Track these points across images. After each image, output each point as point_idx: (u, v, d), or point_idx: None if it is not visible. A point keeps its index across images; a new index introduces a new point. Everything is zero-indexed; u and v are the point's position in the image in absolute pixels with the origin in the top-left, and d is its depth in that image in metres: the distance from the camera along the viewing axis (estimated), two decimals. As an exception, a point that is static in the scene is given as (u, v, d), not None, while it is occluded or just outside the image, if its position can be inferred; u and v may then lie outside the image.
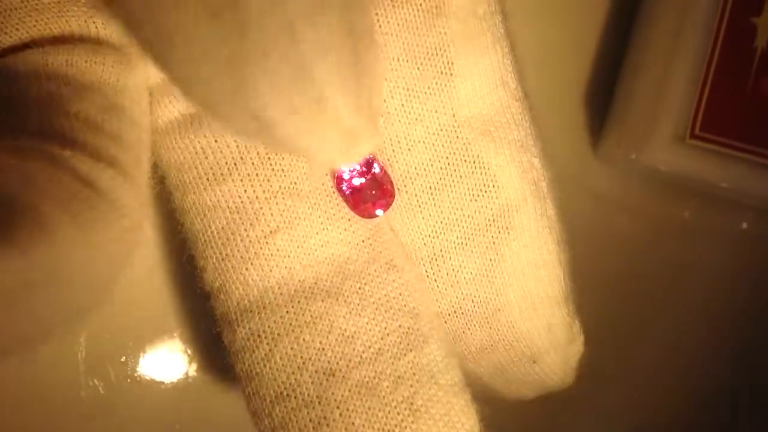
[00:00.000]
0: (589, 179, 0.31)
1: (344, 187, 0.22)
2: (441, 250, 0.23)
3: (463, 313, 0.23)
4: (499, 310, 0.23)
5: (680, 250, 0.32)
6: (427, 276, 0.23)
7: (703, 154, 0.28)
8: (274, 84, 0.15)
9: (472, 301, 0.23)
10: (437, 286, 0.23)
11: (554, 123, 0.31)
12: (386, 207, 0.22)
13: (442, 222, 0.23)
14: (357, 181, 0.22)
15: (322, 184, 0.22)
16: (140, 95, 0.21)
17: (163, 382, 0.29)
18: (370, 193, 0.22)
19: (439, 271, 0.23)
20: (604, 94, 0.31)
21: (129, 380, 0.28)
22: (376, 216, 0.22)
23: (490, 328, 0.23)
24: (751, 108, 0.28)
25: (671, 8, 0.29)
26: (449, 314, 0.23)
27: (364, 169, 0.22)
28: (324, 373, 0.21)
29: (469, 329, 0.23)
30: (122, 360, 0.28)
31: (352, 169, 0.22)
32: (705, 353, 0.31)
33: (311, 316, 0.21)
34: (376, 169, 0.22)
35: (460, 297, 0.23)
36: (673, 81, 0.28)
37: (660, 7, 0.29)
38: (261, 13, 0.15)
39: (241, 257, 0.21)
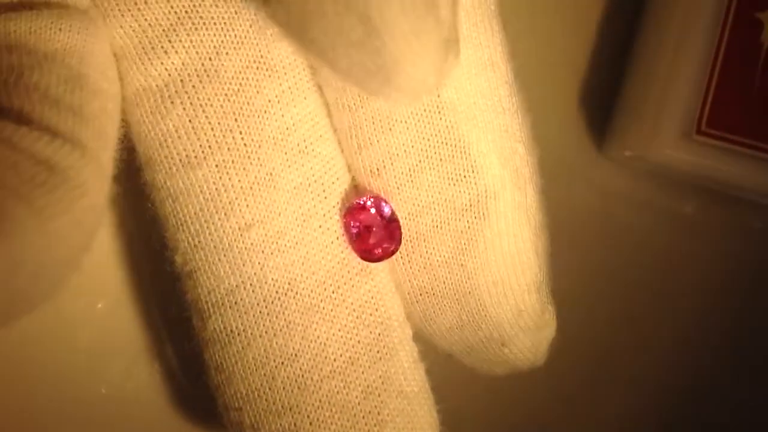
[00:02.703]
0: (594, 176, 0.31)
1: (353, 224, 0.22)
2: (416, 233, 0.22)
3: (434, 294, 0.23)
4: (469, 293, 0.23)
5: (688, 246, 0.31)
6: (401, 258, 0.23)
7: (710, 150, 0.28)
8: None
9: (444, 282, 0.23)
10: (410, 268, 0.23)
11: (558, 119, 0.30)
12: (390, 252, 0.22)
13: (418, 205, 0.22)
14: (367, 219, 0.22)
15: (299, 176, 0.21)
16: (106, 61, 0.20)
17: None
18: (378, 233, 0.22)
19: (413, 253, 0.23)
20: (609, 90, 0.30)
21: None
22: (377, 260, 0.22)
23: (460, 309, 0.23)
24: (758, 104, 0.28)
25: (677, 3, 0.28)
26: (420, 294, 0.23)
27: (373, 208, 0.22)
28: (296, 381, 0.21)
29: (439, 309, 0.23)
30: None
31: (362, 204, 0.22)
32: (709, 351, 0.31)
33: (285, 321, 0.21)
34: (386, 209, 0.22)
35: (432, 279, 0.23)
36: (679, 77, 0.28)
37: (665, 2, 0.29)
38: None
39: (214, 247, 0.21)
